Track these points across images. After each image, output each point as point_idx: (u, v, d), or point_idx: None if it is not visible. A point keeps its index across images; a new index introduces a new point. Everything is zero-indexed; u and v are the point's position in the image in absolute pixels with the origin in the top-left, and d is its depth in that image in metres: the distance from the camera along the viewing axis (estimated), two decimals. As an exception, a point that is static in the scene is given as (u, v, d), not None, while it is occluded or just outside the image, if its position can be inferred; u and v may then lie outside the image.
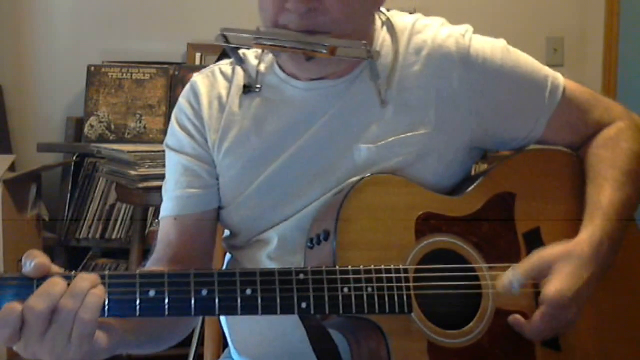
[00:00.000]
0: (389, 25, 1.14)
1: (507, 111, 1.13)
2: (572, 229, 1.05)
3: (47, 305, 0.83)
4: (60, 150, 2.96)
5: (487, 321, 1.01)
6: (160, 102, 2.88)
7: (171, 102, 2.87)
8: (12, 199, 2.55)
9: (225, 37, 1.05)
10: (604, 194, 1.07)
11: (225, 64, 1.19)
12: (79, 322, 0.84)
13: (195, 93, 1.17)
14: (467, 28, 1.14)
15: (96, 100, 2.88)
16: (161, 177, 1.78)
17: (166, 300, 0.88)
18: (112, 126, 2.87)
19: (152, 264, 1.14)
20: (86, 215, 2.82)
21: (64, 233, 2.81)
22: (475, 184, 1.09)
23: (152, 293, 0.88)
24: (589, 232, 1.03)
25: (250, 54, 1.18)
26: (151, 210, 2.67)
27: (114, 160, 2.25)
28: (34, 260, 0.86)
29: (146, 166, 2.08)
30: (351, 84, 1.11)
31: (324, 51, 1.01)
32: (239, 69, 1.17)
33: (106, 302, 0.87)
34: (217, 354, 1.51)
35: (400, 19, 1.16)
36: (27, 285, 0.85)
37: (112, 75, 2.90)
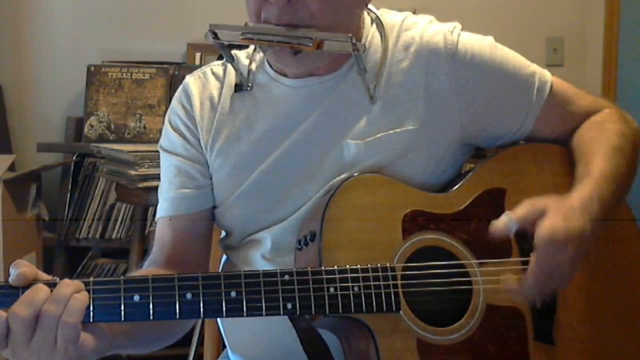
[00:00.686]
0: (378, 22, 1.15)
1: (496, 107, 1.13)
2: None
3: (30, 312, 0.84)
4: (60, 150, 2.96)
5: (478, 317, 1.01)
6: (160, 102, 2.88)
7: (171, 102, 2.87)
8: (12, 199, 2.55)
9: (214, 34, 1.05)
10: (593, 165, 1.06)
11: (217, 65, 1.20)
12: (63, 326, 0.85)
13: (187, 94, 1.18)
14: (455, 25, 1.14)
15: (96, 100, 2.88)
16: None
17: (151, 305, 0.89)
18: (112, 126, 2.87)
19: (149, 265, 1.15)
20: (86, 215, 2.82)
21: (64, 233, 2.81)
22: (464, 180, 1.09)
23: (136, 298, 0.89)
24: (578, 191, 1.02)
25: (242, 55, 1.19)
26: (151, 210, 2.66)
27: (114, 160, 2.25)
28: (18, 269, 0.87)
29: (146, 166, 2.08)
30: (339, 80, 1.11)
31: (310, 44, 1.01)
32: (230, 70, 1.17)
33: (91, 308, 0.87)
34: (217, 354, 1.51)
35: (389, 16, 1.16)
36: (12, 293, 0.86)
37: (112, 75, 2.90)
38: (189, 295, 0.90)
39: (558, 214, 0.97)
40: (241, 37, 1.04)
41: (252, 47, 1.18)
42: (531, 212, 0.98)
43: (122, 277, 0.91)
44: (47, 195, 2.86)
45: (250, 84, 1.15)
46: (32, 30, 3.04)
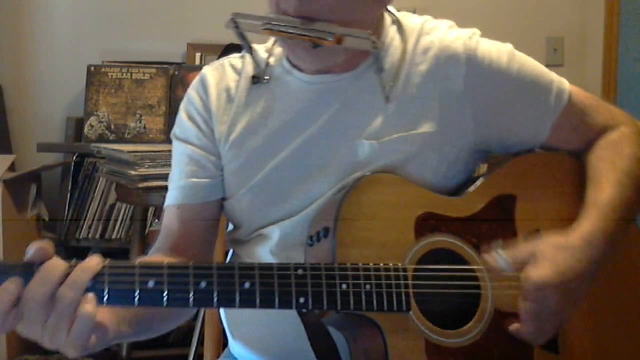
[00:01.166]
0: (398, 25, 1.15)
1: (512, 114, 1.13)
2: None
3: (46, 290, 0.84)
4: (60, 150, 2.96)
5: (485, 322, 1.01)
6: (160, 102, 2.89)
7: (171, 102, 2.87)
8: (12, 199, 2.55)
9: (235, 22, 1.05)
10: (603, 193, 1.06)
11: (235, 58, 1.21)
12: (79, 324, 0.84)
13: (204, 85, 1.18)
14: (474, 31, 1.15)
15: (96, 100, 2.88)
16: (161, 177, 1.78)
17: (165, 292, 0.89)
18: (112, 126, 2.87)
19: (154, 252, 1.15)
20: (86, 215, 2.82)
21: (64, 233, 2.81)
22: (476, 185, 1.09)
23: (151, 284, 0.89)
24: (582, 227, 1.03)
25: (261, 48, 1.19)
26: (151, 210, 2.67)
27: (114, 160, 2.25)
28: (37, 245, 0.87)
29: (146, 166, 2.08)
30: (356, 79, 1.12)
31: (331, 39, 1.02)
32: (248, 62, 1.18)
33: (105, 292, 0.87)
34: (217, 354, 1.51)
35: (410, 19, 1.17)
36: (27, 272, 0.86)
37: (112, 75, 2.90)
38: (203, 284, 0.90)
39: (550, 260, 0.98)
40: (262, 28, 1.04)
41: (271, 41, 1.19)
42: (523, 253, 1.00)
43: (137, 263, 0.90)
44: (47, 195, 2.87)
45: (267, 77, 1.16)
46: (32, 30, 3.04)
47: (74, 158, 2.86)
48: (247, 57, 1.19)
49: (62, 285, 0.85)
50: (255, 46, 1.18)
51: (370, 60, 1.12)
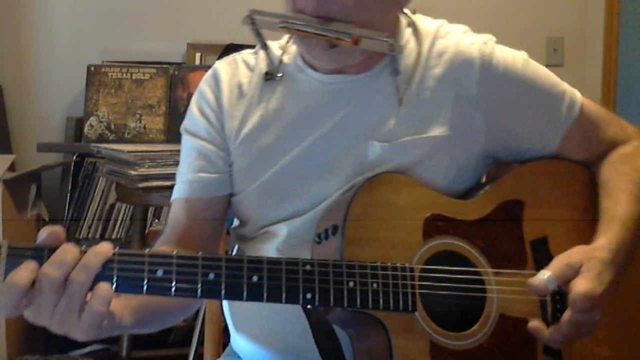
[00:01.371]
0: (413, 27, 1.15)
1: (524, 123, 1.13)
2: (579, 240, 1.05)
3: (61, 273, 0.84)
4: (60, 150, 2.96)
5: (490, 325, 1.01)
6: (160, 102, 2.88)
7: (171, 102, 2.87)
8: (12, 199, 2.54)
9: (252, 19, 1.05)
10: (620, 206, 1.07)
11: (248, 53, 1.21)
12: (91, 312, 0.85)
13: (216, 80, 1.18)
14: (489, 37, 1.15)
15: (96, 100, 2.88)
16: (161, 177, 1.78)
17: (173, 282, 0.89)
18: (112, 126, 2.87)
19: (159, 245, 1.15)
20: (86, 215, 2.82)
21: (64, 233, 2.80)
22: (485, 190, 1.09)
23: (160, 273, 0.89)
24: (608, 239, 1.03)
25: (274, 44, 1.19)
26: (151, 210, 2.67)
27: (114, 160, 2.25)
28: (50, 229, 0.88)
29: (146, 166, 2.08)
30: (370, 80, 1.12)
31: (349, 40, 1.01)
32: (261, 60, 1.18)
33: (114, 279, 0.87)
34: (217, 354, 1.51)
35: (425, 22, 1.17)
36: (39, 255, 0.86)
37: (112, 75, 2.90)
38: (211, 276, 0.90)
39: (592, 274, 0.98)
40: (279, 26, 1.04)
41: (285, 38, 1.19)
42: (567, 272, 0.99)
43: (147, 251, 0.90)
44: (47, 195, 2.86)
45: (280, 74, 1.15)
46: (32, 30, 3.04)
47: (74, 158, 2.86)
48: (261, 53, 1.18)
49: (74, 268, 0.85)
50: (268, 43, 1.18)
51: (384, 61, 1.11)
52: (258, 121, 1.14)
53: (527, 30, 3.21)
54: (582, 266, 0.99)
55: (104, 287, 0.86)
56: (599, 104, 1.22)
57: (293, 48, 1.17)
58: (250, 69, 1.18)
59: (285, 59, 1.17)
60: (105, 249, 0.88)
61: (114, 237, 2.80)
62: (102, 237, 2.80)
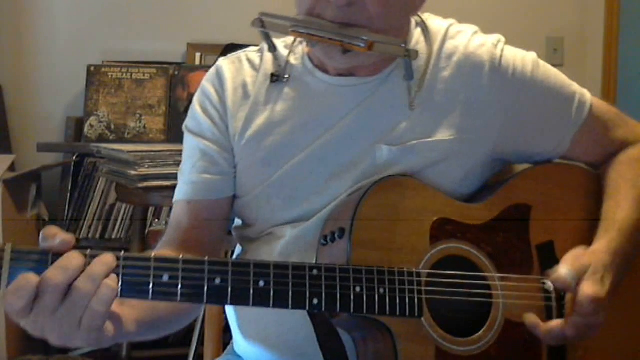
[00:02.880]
0: (423, 27, 1.14)
1: (534, 124, 1.12)
2: (586, 244, 1.05)
3: (65, 279, 0.83)
4: (60, 150, 2.96)
5: (496, 331, 1.01)
6: (160, 102, 2.88)
7: (171, 102, 2.87)
8: (12, 199, 2.54)
9: (262, 22, 1.04)
10: (621, 211, 1.07)
11: (252, 52, 1.18)
12: (92, 312, 0.84)
13: (220, 78, 1.16)
14: (499, 39, 1.14)
15: (96, 100, 2.88)
16: (161, 177, 1.77)
17: (179, 286, 0.88)
18: (112, 126, 2.87)
19: (162, 247, 1.14)
20: (86, 215, 2.81)
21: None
22: (492, 194, 1.09)
23: (165, 278, 0.88)
24: (606, 242, 1.03)
25: (280, 44, 1.17)
26: (151, 210, 2.67)
27: (114, 160, 2.25)
28: (62, 236, 0.86)
29: (146, 166, 2.07)
30: (380, 83, 1.10)
31: (362, 45, 1.00)
32: (266, 59, 1.16)
33: (120, 284, 0.86)
34: (217, 354, 1.51)
35: (435, 22, 1.16)
36: (43, 259, 0.85)
37: (112, 75, 2.90)
38: (217, 280, 0.89)
39: (596, 276, 0.98)
40: (290, 29, 1.03)
41: (291, 38, 1.16)
42: (581, 269, 0.99)
43: (152, 256, 0.89)
44: (47, 195, 2.86)
45: (287, 75, 1.14)
46: (32, 30, 3.04)
47: (74, 158, 2.86)
48: (266, 52, 1.16)
49: (80, 276, 0.84)
50: (275, 42, 1.15)
51: (394, 64, 1.10)
52: (264, 123, 1.12)
53: (527, 30, 3.21)
54: (589, 268, 0.99)
55: (105, 289, 0.85)
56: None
57: (300, 48, 1.15)
58: (255, 68, 1.16)
59: (292, 59, 1.15)
60: (110, 259, 0.87)
61: (114, 237, 2.80)
62: (102, 237, 2.80)
